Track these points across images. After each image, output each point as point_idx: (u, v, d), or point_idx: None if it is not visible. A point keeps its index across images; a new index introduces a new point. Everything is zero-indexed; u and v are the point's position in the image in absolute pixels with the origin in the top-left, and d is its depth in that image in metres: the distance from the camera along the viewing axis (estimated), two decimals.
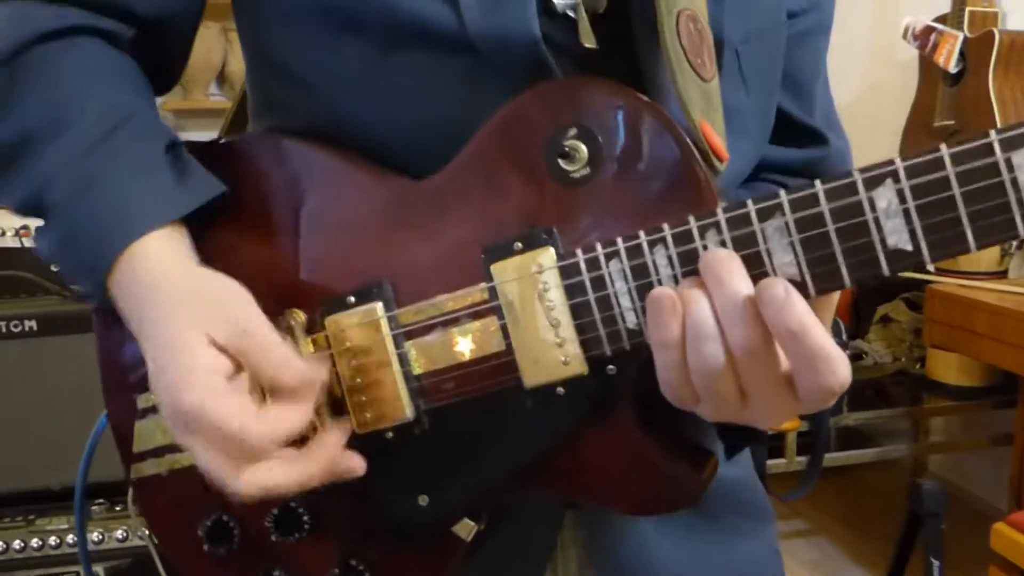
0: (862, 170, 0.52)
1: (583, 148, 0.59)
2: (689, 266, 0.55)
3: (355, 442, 0.64)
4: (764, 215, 0.53)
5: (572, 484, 0.63)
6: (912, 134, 2.87)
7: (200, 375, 0.59)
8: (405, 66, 0.65)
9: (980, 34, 2.59)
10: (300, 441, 0.62)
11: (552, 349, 0.59)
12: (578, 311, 0.59)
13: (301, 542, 0.68)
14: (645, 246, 0.56)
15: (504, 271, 0.60)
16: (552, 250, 0.59)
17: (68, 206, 0.64)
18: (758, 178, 0.79)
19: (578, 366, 0.59)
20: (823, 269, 0.52)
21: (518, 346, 0.60)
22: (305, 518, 0.68)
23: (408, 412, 0.64)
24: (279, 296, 0.65)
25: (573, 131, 0.59)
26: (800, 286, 0.52)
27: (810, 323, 0.50)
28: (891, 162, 0.51)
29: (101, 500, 1.66)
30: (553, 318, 0.59)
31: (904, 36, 2.78)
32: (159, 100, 0.76)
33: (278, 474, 0.60)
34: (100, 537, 1.65)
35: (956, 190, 0.49)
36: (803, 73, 0.80)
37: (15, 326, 1.69)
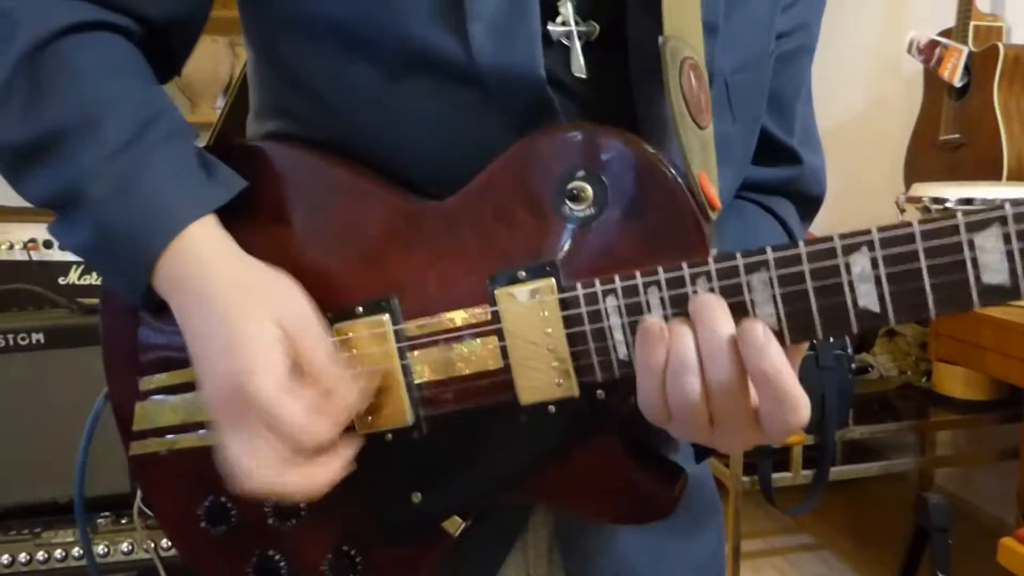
0: (841, 236, 0.57)
1: (589, 190, 0.63)
2: (679, 308, 0.60)
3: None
4: (750, 268, 0.58)
5: (557, 495, 0.68)
6: (917, 148, 2.87)
7: (268, 362, 0.61)
8: (413, 92, 0.68)
9: (985, 48, 2.60)
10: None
11: (547, 372, 0.64)
12: (574, 340, 0.63)
13: (297, 528, 0.72)
14: (640, 286, 0.61)
15: (507, 297, 0.65)
16: (554, 281, 0.63)
17: (109, 203, 0.65)
18: (735, 195, 0.81)
19: (570, 389, 0.64)
20: (799, 323, 0.58)
21: (515, 366, 0.65)
22: (302, 506, 0.71)
23: (408, 418, 0.68)
24: None
25: (581, 173, 0.63)
26: (778, 335, 0.57)
27: (782, 367, 0.56)
28: (868, 231, 0.56)
29: (107, 513, 1.66)
30: (550, 344, 0.64)
31: (909, 50, 2.79)
32: None
33: (292, 481, 0.62)
34: (106, 550, 1.65)
35: (923, 263, 0.55)
36: (785, 91, 0.82)
37: (22, 339, 1.70)
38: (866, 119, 3.40)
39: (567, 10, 0.67)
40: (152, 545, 1.57)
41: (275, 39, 0.72)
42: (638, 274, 0.61)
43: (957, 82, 2.64)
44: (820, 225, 0.94)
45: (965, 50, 2.62)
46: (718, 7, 0.70)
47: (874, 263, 0.56)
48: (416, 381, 0.67)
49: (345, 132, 0.70)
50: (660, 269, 0.60)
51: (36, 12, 0.67)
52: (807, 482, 2.34)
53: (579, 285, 0.63)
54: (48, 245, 1.91)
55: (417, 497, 0.69)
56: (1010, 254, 0.54)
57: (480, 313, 0.66)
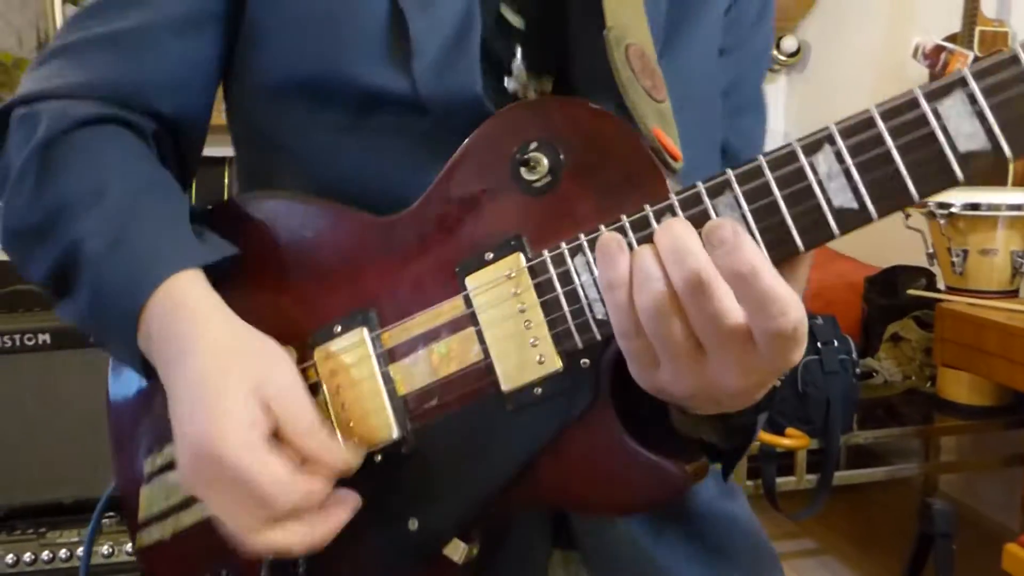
0: (800, 139, 0.55)
1: (543, 159, 0.63)
2: None
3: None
4: (714, 192, 0.56)
5: (558, 489, 0.65)
6: None
7: (240, 427, 0.60)
8: (374, 129, 0.72)
9: (990, 53, 2.59)
10: None
11: (527, 350, 0.63)
12: (548, 307, 0.62)
13: None
14: None
15: (478, 280, 0.64)
16: (521, 255, 0.63)
17: (101, 260, 0.68)
18: None
19: (553, 363, 0.62)
20: (775, 236, 0.55)
21: (495, 351, 0.64)
22: (300, 561, 0.69)
23: (394, 432, 0.66)
24: (271, 335, 0.68)
25: (533, 145, 0.63)
26: None
27: (760, 265, 0.51)
28: (826, 128, 0.54)
29: (111, 514, 1.67)
30: (526, 319, 0.63)
31: (914, 55, 2.79)
32: None
33: (295, 537, 0.62)
34: (110, 551, 1.66)
35: (891, 144, 0.52)
36: (740, 148, 0.86)
37: (29, 340, 1.71)
38: None
39: (519, 68, 0.74)
40: None
41: (251, 111, 0.78)
42: (601, 226, 0.60)
43: None
44: None
45: (970, 55, 2.62)
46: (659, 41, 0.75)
47: (839, 157, 0.53)
48: (399, 393, 0.67)
49: (316, 179, 0.74)
50: (623, 216, 0.59)
51: (57, 111, 0.73)
52: (811, 487, 2.34)
53: (545, 251, 0.62)
54: None
55: (414, 524, 0.67)
56: (980, 114, 0.51)
57: (453, 304, 0.65)
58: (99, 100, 0.74)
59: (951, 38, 2.71)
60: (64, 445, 1.68)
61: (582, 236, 0.60)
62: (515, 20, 0.75)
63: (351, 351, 0.67)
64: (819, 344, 2.30)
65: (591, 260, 0.60)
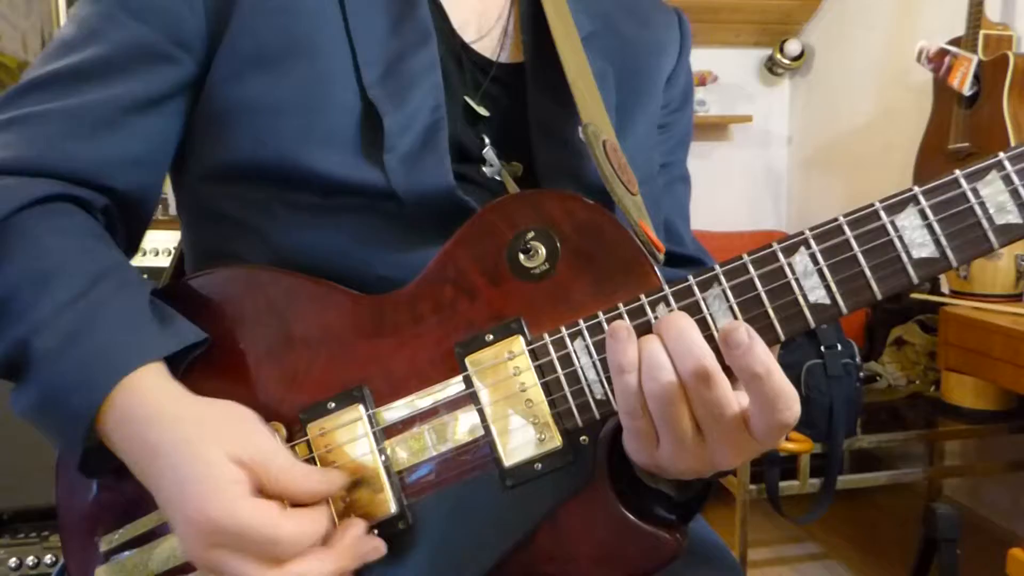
0: (779, 240, 0.62)
1: (541, 247, 0.67)
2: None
3: None
4: (703, 286, 0.62)
5: (557, 561, 0.67)
6: (926, 157, 2.86)
7: (225, 486, 0.60)
8: (344, 208, 0.73)
9: (995, 57, 2.59)
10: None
11: (527, 428, 0.66)
12: (549, 388, 0.66)
13: None
14: (604, 323, 0.64)
15: (478, 361, 0.67)
16: (521, 338, 0.66)
17: (56, 355, 0.64)
18: None
19: (553, 440, 0.65)
20: (759, 326, 0.61)
21: (496, 428, 0.66)
22: None
23: (392, 508, 0.67)
24: (259, 412, 0.67)
25: (531, 234, 0.67)
26: None
27: (773, 365, 0.57)
28: (802, 233, 0.61)
29: None
30: (527, 398, 0.66)
31: (918, 59, 2.79)
32: None
33: (315, 570, 0.61)
34: None
35: (856, 249, 0.60)
36: (670, 215, 0.93)
37: None
38: (875, 128, 3.40)
39: (490, 155, 0.77)
40: None
41: (210, 188, 0.77)
42: (600, 313, 0.64)
43: (967, 91, 2.63)
44: None
45: (975, 59, 2.62)
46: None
47: (813, 259, 0.61)
48: (396, 469, 0.67)
49: (280, 253, 0.74)
50: (620, 304, 0.64)
51: (8, 192, 0.69)
52: (814, 491, 2.33)
53: (546, 335, 0.66)
54: None
55: None
56: (929, 227, 0.59)
57: (453, 383, 0.67)
58: (50, 178, 0.71)
59: (955, 42, 2.71)
60: None
61: (581, 322, 0.65)
62: (480, 109, 0.80)
63: (347, 428, 0.68)
64: (823, 348, 2.29)
65: (590, 344, 0.64)
